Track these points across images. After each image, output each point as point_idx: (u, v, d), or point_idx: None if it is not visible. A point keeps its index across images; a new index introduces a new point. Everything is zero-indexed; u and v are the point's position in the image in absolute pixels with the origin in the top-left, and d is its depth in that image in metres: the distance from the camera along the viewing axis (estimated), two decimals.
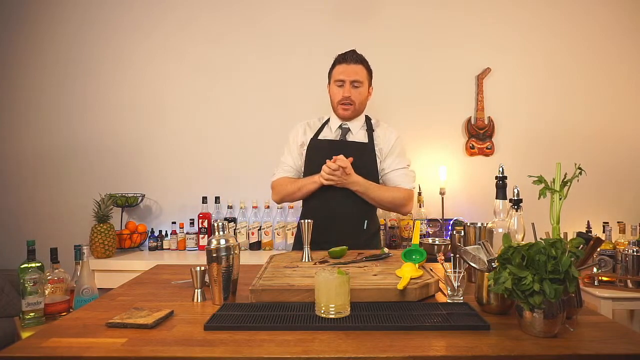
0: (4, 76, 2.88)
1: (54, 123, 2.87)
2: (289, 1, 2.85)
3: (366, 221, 1.81)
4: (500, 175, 1.31)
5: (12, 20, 2.87)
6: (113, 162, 2.87)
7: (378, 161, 1.82)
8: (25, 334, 1.37)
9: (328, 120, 1.93)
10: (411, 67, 2.85)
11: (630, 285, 2.01)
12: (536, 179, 1.23)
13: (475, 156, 2.84)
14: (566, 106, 2.84)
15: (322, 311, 1.02)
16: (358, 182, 1.73)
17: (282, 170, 1.92)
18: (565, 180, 1.21)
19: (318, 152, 1.83)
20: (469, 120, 2.83)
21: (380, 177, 1.86)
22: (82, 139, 2.87)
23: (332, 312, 1.01)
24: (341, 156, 1.67)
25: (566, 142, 2.82)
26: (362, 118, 1.90)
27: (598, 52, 2.83)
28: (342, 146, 1.81)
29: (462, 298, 1.15)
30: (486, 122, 2.82)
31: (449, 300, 1.16)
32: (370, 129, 1.87)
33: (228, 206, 2.77)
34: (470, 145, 2.82)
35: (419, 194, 2.76)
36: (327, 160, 1.68)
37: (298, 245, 1.88)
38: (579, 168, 1.21)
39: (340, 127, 1.88)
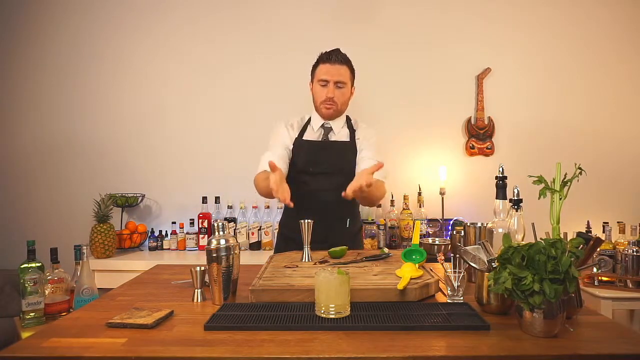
0: (4, 76, 2.88)
1: (54, 123, 2.87)
2: (289, 1, 2.85)
3: (349, 219, 1.81)
4: (500, 175, 1.31)
5: (12, 20, 2.87)
6: (113, 162, 2.87)
7: (357, 152, 1.81)
8: (25, 334, 1.37)
9: (310, 119, 1.90)
10: (411, 67, 2.85)
11: (630, 285, 2.01)
12: (536, 179, 1.23)
13: (475, 156, 2.84)
14: (566, 106, 2.84)
15: (322, 311, 1.02)
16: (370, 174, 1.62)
17: (262, 165, 1.77)
18: (565, 180, 1.21)
19: (300, 152, 1.81)
20: (469, 120, 2.83)
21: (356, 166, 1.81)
22: (82, 139, 2.87)
23: (332, 312, 1.01)
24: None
25: (566, 142, 2.82)
26: (343, 117, 1.89)
27: (598, 52, 2.83)
28: (325, 146, 1.81)
29: (462, 298, 1.15)
30: (486, 122, 2.82)
31: (449, 300, 1.16)
32: (351, 128, 1.87)
33: (228, 206, 2.77)
34: (470, 145, 2.82)
35: (419, 194, 2.76)
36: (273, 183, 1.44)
37: (283, 243, 1.84)
38: (579, 168, 1.21)
39: (322, 126, 1.86)
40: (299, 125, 1.89)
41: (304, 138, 1.85)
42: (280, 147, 1.82)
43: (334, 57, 1.79)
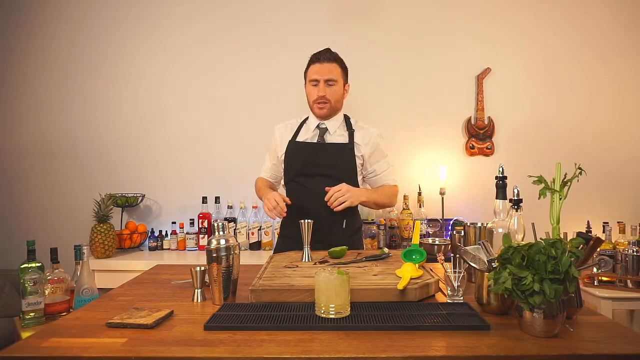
0: (4, 76, 2.88)
1: (54, 123, 2.87)
2: (290, 1, 2.85)
3: (345, 220, 1.82)
4: (500, 175, 1.31)
5: (13, 20, 2.87)
6: (113, 162, 2.87)
7: (358, 161, 1.82)
8: (25, 334, 1.37)
9: (306, 119, 1.93)
10: (411, 67, 2.85)
11: (630, 285, 2.01)
12: (536, 179, 1.23)
13: (475, 156, 2.84)
14: (566, 106, 2.84)
15: (322, 311, 1.02)
16: (363, 195, 1.75)
17: (263, 170, 2.03)
18: (565, 180, 1.21)
19: (296, 154, 1.84)
20: (469, 120, 2.83)
21: (365, 178, 1.90)
22: (82, 139, 2.87)
23: (332, 312, 1.01)
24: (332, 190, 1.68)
25: (566, 142, 2.82)
26: (340, 117, 1.89)
27: (598, 52, 2.83)
28: (321, 147, 1.82)
29: (462, 298, 1.15)
30: (486, 122, 2.82)
31: (449, 300, 1.16)
32: (350, 129, 1.87)
33: (228, 206, 2.77)
34: (470, 145, 2.82)
35: (419, 194, 2.76)
36: (266, 200, 1.72)
37: (284, 244, 1.86)
38: (579, 168, 1.21)
39: (318, 126, 1.87)
40: (292, 127, 1.93)
41: (298, 139, 1.87)
42: (272, 154, 1.97)
43: (322, 56, 1.82)
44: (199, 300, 1.21)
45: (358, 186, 1.83)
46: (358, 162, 1.82)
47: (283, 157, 1.88)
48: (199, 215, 2.72)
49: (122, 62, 2.87)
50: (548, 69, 2.84)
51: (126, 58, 2.87)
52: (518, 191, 1.29)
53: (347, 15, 2.84)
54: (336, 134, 1.85)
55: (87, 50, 2.87)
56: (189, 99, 2.87)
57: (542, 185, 1.22)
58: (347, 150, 1.81)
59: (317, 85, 1.81)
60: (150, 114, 2.88)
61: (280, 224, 2.01)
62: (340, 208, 1.65)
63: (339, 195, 1.65)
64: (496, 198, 1.31)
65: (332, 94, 1.80)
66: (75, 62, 2.87)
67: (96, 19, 2.87)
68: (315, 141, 1.85)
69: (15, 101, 2.88)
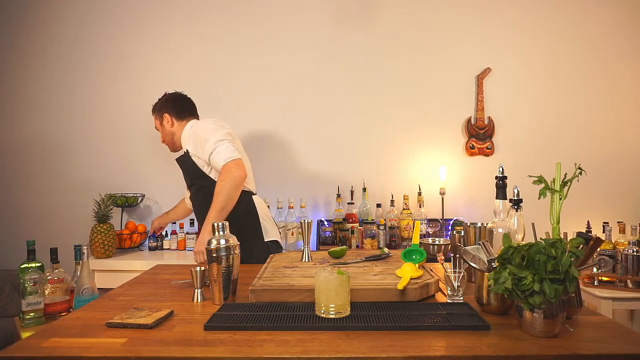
0: (4, 75, 2.88)
1: (55, 123, 2.87)
2: (290, 3, 2.85)
3: None
4: (500, 175, 1.31)
5: (13, 20, 2.87)
6: (113, 162, 2.87)
7: (196, 160, 1.97)
8: (25, 334, 1.37)
9: None
10: (411, 67, 2.85)
11: (630, 285, 2.01)
12: (536, 179, 1.23)
13: (475, 156, 2.84)
14: (566, 106, 2.84)
15: (322, 311, 1.02)
16: (205, 233, 1.75)
17: None
18: (565, 180, 1.21)
19: None
20: (469, 120, 2.83)
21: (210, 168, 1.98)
22: (82, 139, 2.87)
23: (332, 312, 1.01)
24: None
25: (566, 142, 2.82)
26: (185, 136, 2.04)
27: (598, 52, 2.83)
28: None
29: (462, 298, 1.15)
30: (486, 122, 2.82)
31: (449, 300, 1.16)
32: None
33: None
34: (470, 145, 2.82)
35: (419, 194, 2.76)
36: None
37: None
38: (579, 168, 1.21)
39: None
40: None
41: None
42: None
43: None
44: (199, 300, 1.21)
45: (212, 179, 1.94)
46: (196, 160, 1.96)
47: None
48: None
49: (122, 62, 2.87)
50: (548, 69, 2.84)
51: (126, 58, 2.87)
52: (518, 191, 1.29)
53: (347, 15, 2.84)
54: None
55: (87, 50, 2.87)
56: None
57: (542, 185, 1.22)
58: (184, 157, 2.02)
59: None
60: (150, 113, 2.87)
61: None
62: (202, 259, 1.73)
63: (199, 260, 1.76)
64: (496, 198, 1.31)
65: (163, 137, 2.16)
66: (75, 62, 2.87)
67: (96, 19, 2.86)
68: None
69: (15, 101, 2.88)
